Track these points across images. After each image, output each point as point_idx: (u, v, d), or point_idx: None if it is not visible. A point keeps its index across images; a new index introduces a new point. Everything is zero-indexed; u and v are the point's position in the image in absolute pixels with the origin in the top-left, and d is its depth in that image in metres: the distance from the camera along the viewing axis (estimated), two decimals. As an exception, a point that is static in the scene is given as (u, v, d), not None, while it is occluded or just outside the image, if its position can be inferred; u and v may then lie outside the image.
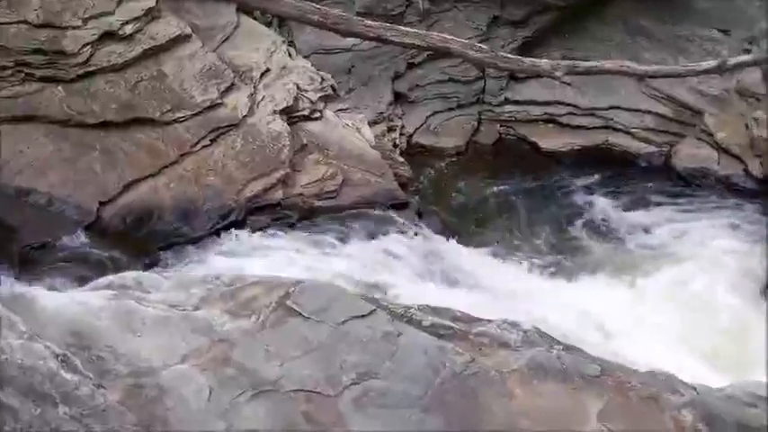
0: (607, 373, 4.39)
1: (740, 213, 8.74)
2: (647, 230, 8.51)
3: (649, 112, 10.16)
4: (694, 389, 4.41)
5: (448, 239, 7.60)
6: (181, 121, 7.13)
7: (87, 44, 7.02)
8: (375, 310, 4.44)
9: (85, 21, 7.06)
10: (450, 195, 9.26)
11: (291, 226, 7.10)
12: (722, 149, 9.50)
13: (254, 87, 7.59)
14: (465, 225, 8.58)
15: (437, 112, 10.31)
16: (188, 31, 7.53)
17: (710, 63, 9.37)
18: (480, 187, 9.39)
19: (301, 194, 7.27)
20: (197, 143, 7.09)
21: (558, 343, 4.72)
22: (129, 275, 4.98)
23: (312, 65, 8.30)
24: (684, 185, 9.40)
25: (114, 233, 6.62)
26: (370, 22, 8.83)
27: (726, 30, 10.00)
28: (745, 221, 8.59)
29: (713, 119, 9.73)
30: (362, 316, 4.37)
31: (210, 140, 7.14)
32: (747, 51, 9.63)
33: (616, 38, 10.34)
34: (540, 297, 7.02)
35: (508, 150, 10.40)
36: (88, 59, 7.03)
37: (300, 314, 4.35)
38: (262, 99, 7.55)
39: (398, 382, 4.06)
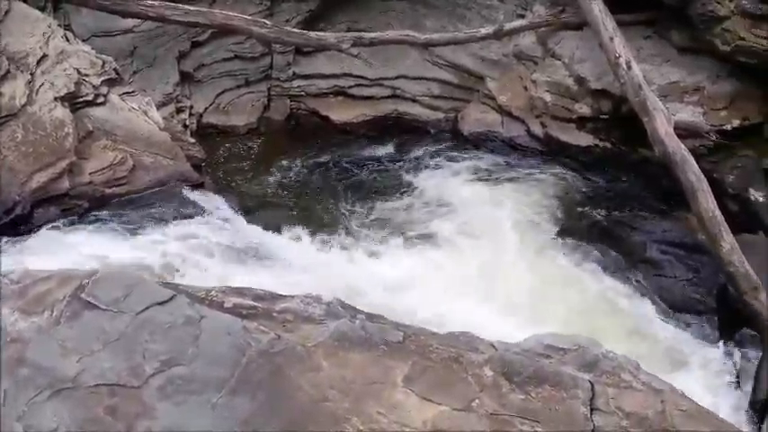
0: (410, 338, 4.50)
1: (525, 172, 9.09)
2: (439, 195, 8.70)
3: (434, 80, 10.40)
4: (493, 346, 4.58)
5: (245, 218, 7.56)
6: (-47, 115, 6.76)
7: None
8: (175, 295, 4.38)
9: None
10: (245, 173, 9.19)
11: (82, 215, 6.89)
12: (505, 112, 9.83)
13: (32, 74, 7.27)
14: (262, 202, 8.54)
15: (226, 91, 10.20)
16: (-48, 18, 7.15)
17: (488, 29, 9.70)
18: (275, 163, 9.35)
19: (91, 182, 7.07)
20: (-28, 136, 6.74)
21: (361, 312, 4.80)
22: None
23: (92, 48, 8.02)
24: (472, 149, 9.66)
25: None
26: (150, 1, 8.65)
27: (501, -4, 10.33)
28: (530, 179, 8.95)
29: (495, 83, 10.05)
30: (162, 302, 4.31)
31: (-13, 133, 6.80)
32: (521, 16, 9.98)
33: (397, 8, 10.50)
34: (340, 268, 7.10)
35: (300, 125, 10.43)
36: None
37: (97, 306, 4.23)
38: (41, 86, 7.25)
39: (204, 367, 4.02)
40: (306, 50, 10.33)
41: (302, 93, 10.51)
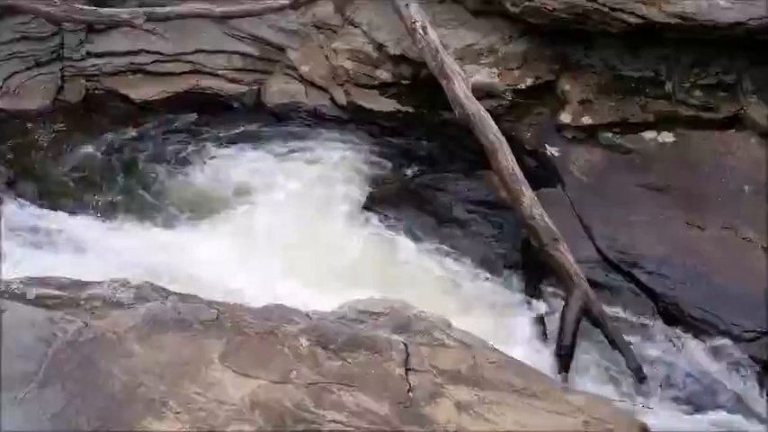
0: (224, 315, 4.48)
1: (330, 141, 9.13)
2: (241, 169, 8.62)
3: (235, 53, 10.25)
4: (308, 316, 4.62)
5: (44, 206, 7.31)
6: None
7: None
8: (-29, 290, 4.18)
9: None
10: (40, 159, 8.80)
11: None
12: (308, 82, 9.80)
13: None
14: (59, 188, 8.21)
15: (15, 73, 9.70)
16: None
17: (284, 0, 9.65)
18: (72, 147, 8.99)
19: None
20: None
21: (172, 293, 4.73)
22: None
23: None
24: (276, 120, 9.61)
25: None
26: None
27: (300, -35, 10.27)
28: (336, 148, 8.98)
29: (296, 53, 10.01)
30: (-43, 300, 4.11)
31: None
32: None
33: (189, -20, 10.29)
34: (145, 248, 6.96)
35: (99, 106, 10.03)
36: None
37: None
38: None
39: (8, 362, 3.87)
40: (98, 28, 9.97)
41: (98, 72, 10.13)
